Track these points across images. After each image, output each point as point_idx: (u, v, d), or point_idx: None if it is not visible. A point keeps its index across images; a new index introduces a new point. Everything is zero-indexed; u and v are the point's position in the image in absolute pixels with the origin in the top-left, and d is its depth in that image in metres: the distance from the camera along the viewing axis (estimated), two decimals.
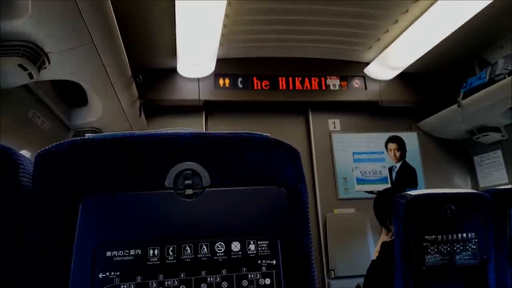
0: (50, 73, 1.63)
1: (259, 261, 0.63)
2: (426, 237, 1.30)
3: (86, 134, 0.64)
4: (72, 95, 2.18)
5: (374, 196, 2.05)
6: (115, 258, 0.59)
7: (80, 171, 0.61)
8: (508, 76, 2.48)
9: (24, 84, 1.62)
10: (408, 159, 3.43)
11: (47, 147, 0.62)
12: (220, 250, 0.62)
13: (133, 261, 0.59)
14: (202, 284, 0.60)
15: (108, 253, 0.59)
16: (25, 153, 1.91)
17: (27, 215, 0.60)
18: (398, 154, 3.42)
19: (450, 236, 1.31)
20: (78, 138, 0.63)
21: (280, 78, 3.28)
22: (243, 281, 0.62)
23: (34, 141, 1.97)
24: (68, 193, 0.60)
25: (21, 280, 0.58)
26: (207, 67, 3.06)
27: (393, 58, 3.08)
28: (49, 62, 1.55)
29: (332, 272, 3.00)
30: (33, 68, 1.47)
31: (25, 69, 1.45)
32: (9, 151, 0.63)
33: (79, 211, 0.59)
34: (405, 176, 3.38)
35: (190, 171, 0.64)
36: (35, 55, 1.46)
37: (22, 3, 1.22)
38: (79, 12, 1.37)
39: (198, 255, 0.61)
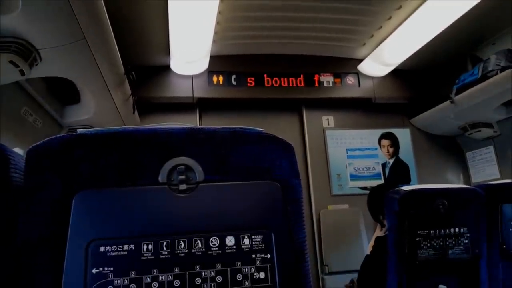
0: (42, 70, 1.62)
1: (253, 255, 0.63)
2: (419, 232, 1.31)
3: (78, 130, 0.64)
4: (64, 92, 2.16)
5: (367, 192, 2.06)
6: (108, 254, 0.59)
7: (72, 166, 0.61)
8: (500, 72, 2.49)
9: (15, 81, 1.61)
10: (401, 155, 3.44)
11: (38, 143, 0.61)
12: (215, 244, 0.62)
13: (127, 256, 0.59)
14: (197, 279, 0.60)
15: (102, 249, 0.59)
16: (17, 150, 1.89)
17: (19, 211, 0.59)
18: (391, 150, 3.44)
19: (442, 231, 1.32)
20: (70, 133, 0.63)
21: (273, 75, 3.28)
22: (238, 275, 0.62)
23: (26, 138, 1.95)
24: (60, 188, 0.60)
25: (13, 276, 0.57)
26: (201, 64, 3.05)
27: (386, 55, 3.09)
28: (40, 59, 1.53)
29: (326, 267, 3.01)
30: (24, 64, 1.45)
31: (16, 65, 1.44)
32: None
33: (71, 207, 0.59)
34: (398, 172, 3.40)
35: (183, 166, 0.64)
36: (26, 52, 1.44)
37: None
38: (70, 8, 1.35)
39: (192, 250, 0.61)
